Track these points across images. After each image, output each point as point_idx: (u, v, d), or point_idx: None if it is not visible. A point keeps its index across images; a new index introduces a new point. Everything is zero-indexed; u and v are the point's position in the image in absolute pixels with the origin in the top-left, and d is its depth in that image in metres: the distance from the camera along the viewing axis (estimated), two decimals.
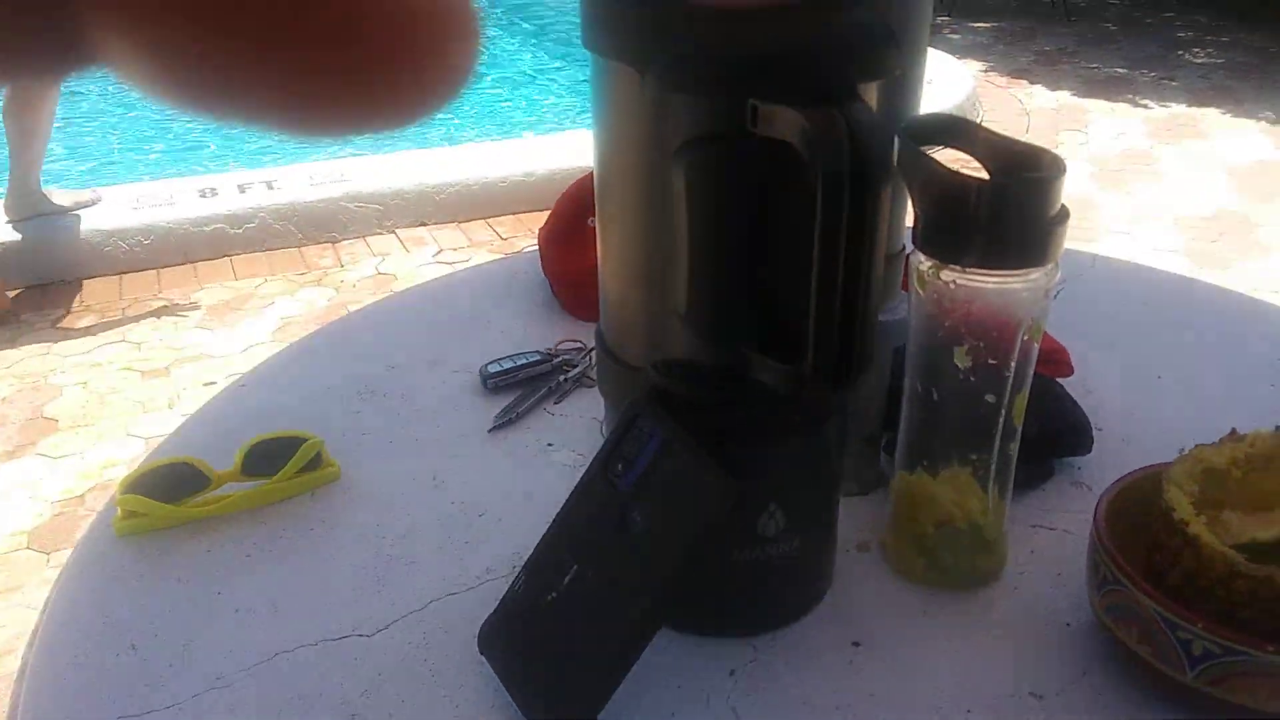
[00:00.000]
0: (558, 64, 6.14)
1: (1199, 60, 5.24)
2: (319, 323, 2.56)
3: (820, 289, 0.42)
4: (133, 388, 2.27)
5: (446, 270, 2.91)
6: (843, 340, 0.43)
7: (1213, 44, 5.61)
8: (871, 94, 0.47)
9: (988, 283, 0.49)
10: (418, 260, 2.98)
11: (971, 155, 0.53)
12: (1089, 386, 0.74)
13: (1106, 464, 0.66)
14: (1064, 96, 4.54)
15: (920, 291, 0.52)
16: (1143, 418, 0.74)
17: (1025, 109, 4.37)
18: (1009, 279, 0.49)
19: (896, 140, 0.50)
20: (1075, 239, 2.23)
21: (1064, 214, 0.50)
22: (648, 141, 0.46)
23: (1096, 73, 4.95)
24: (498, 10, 8.27)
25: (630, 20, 0.44)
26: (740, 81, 0.43)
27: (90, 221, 2.91)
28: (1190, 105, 4.37)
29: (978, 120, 4.15)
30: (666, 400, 0.48)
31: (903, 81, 0.57)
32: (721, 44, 0.43)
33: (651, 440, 0.47)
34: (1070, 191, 1.93)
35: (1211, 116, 4.21)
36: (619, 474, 0.48)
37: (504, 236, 3.16)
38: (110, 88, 5.13)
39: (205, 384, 2.28)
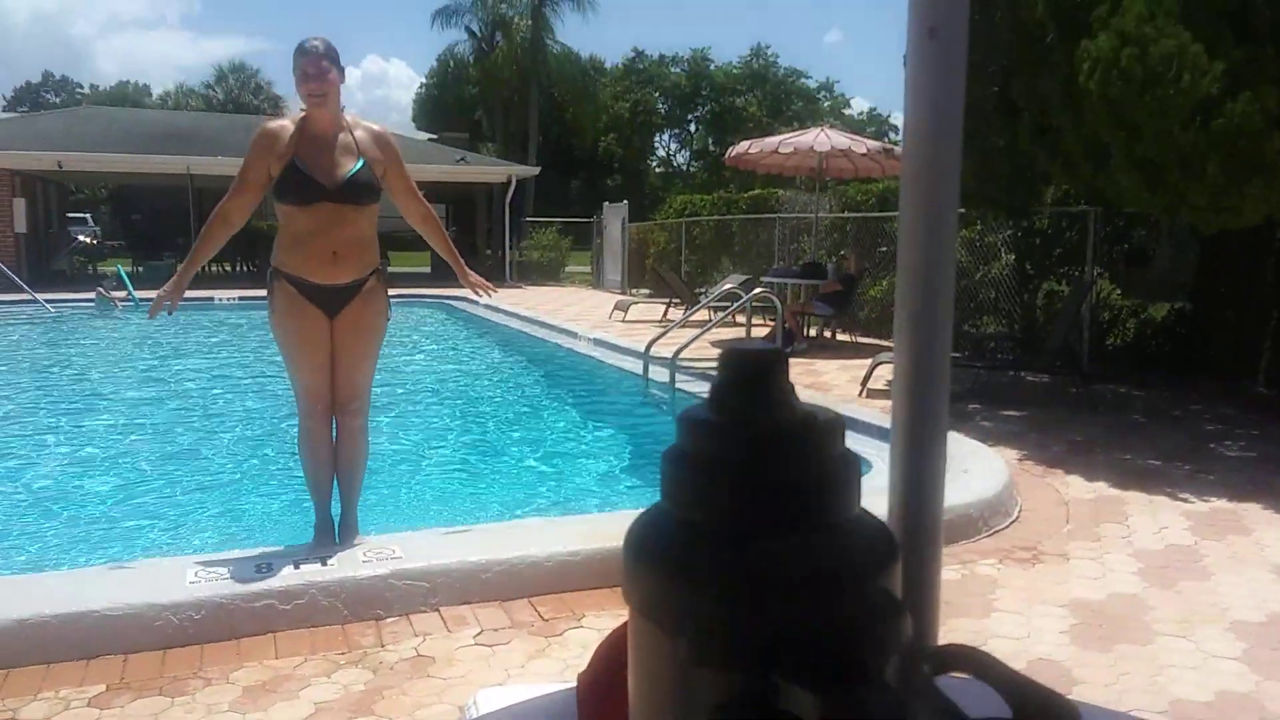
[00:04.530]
0: (603, 440, 6.47)
1: (1232, 454, 5.36)
2: (352, 711, 2.52)
3: None
4: None
5: (486, 653, 2.89)
6: None
7: (1243, 437, 5.77)
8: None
9: None
10: (458, 642, 2.97)
11: (988, 684, 0.56)
12: None
13: None
14: (1101, 487, 4.62)
15: None
16: None
17: (1063, 499, 4.45)
18: None
19: (914, 676, 0.54)
20: (1130, 641, 2.19)
21: None
22: (677, 699, 0.50)
23: (1131, 464, 5.07)
24: (542, 385, 8.89)
25: (663, 589, 0.50)
26: (762, 660, 0.47)
27: (143, 595, 2.99)
28: (1230, 500, 4.41)
29: (1017, 507, 4.22)
30: None
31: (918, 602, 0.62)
32: (748, 621, 0.48)
33: None
34: (1120, 589, 2.00)
35: (1253, 512, 4.23)
36: None
37: (545, 618, 3.16)
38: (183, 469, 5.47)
39: None
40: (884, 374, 7.37)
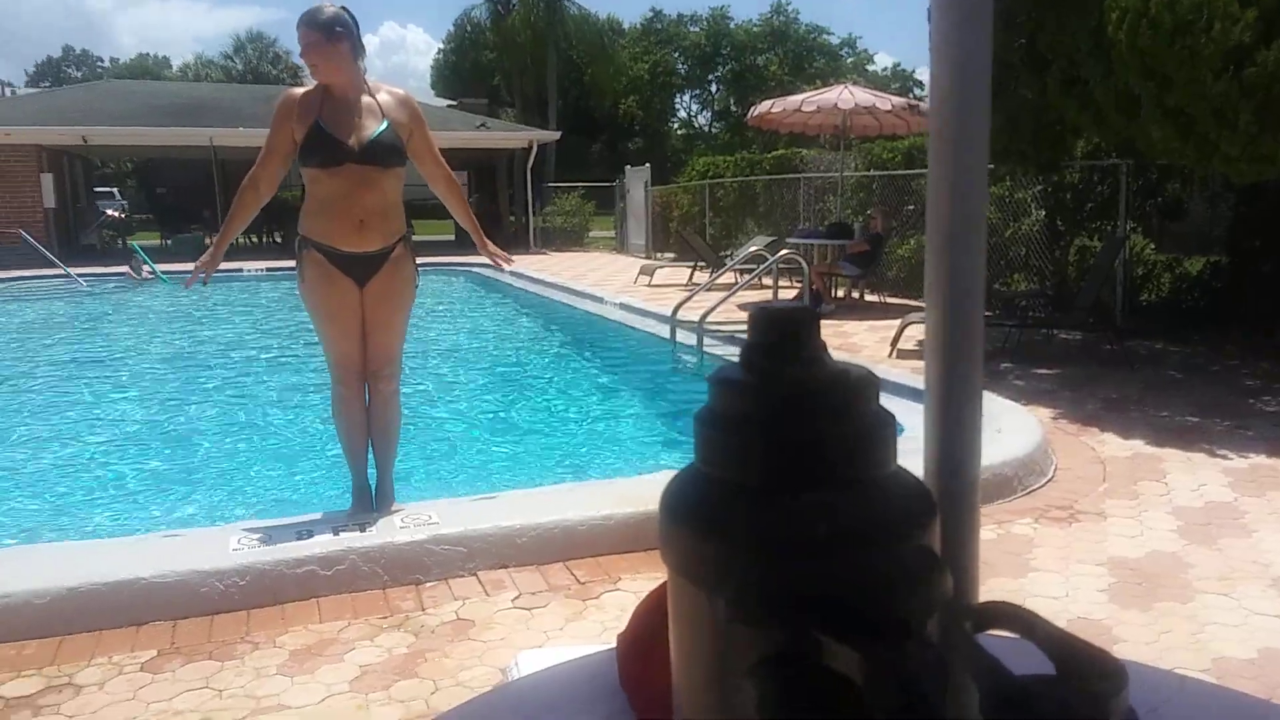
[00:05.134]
0: (631, 404, 6.49)
1: (1271, 409, 5.29)
2: (396, 673, 2.57)
3: None
4: None
5: (524, 616, 2.92)
6: None
7: None
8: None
9: None
10: (496, 605, 3.01)
11: (1031, 641, 0.56)
12: None
13: None
14: (1138, 445, 4.58)
15: None
16: None
17: (1099, 457, 4.41)
18: None
19: (955, 633, 0.53)
20: (1170, 599, 2.19)
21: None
22: (719, 657, 0.50)
23: (1168, 421, 5.01)
24: (570, 350, 8.90)
25: (700, 548, 0.50)
26: (803, 616, 0.47)
27: (189, 562, 3.05)
28: (1269, 456, 4.36)
29: (1052, 466, 4.19)
30: None
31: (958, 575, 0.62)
32: (788, 578, 0.48)
33: None
34: (1160, 547, 2.00)
35: None
36: None
37: (581, 581, 3.19)
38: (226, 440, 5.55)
39: None
40: (914, 334, 7.32)
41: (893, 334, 7.14)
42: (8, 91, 33.68)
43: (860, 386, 0.54)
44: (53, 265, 14.54)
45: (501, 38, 38.33)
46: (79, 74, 58.80)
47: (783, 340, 0.54)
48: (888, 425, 0.53)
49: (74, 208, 21.53)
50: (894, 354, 6.86)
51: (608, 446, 5.37)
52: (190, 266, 3.53)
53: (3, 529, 4.00)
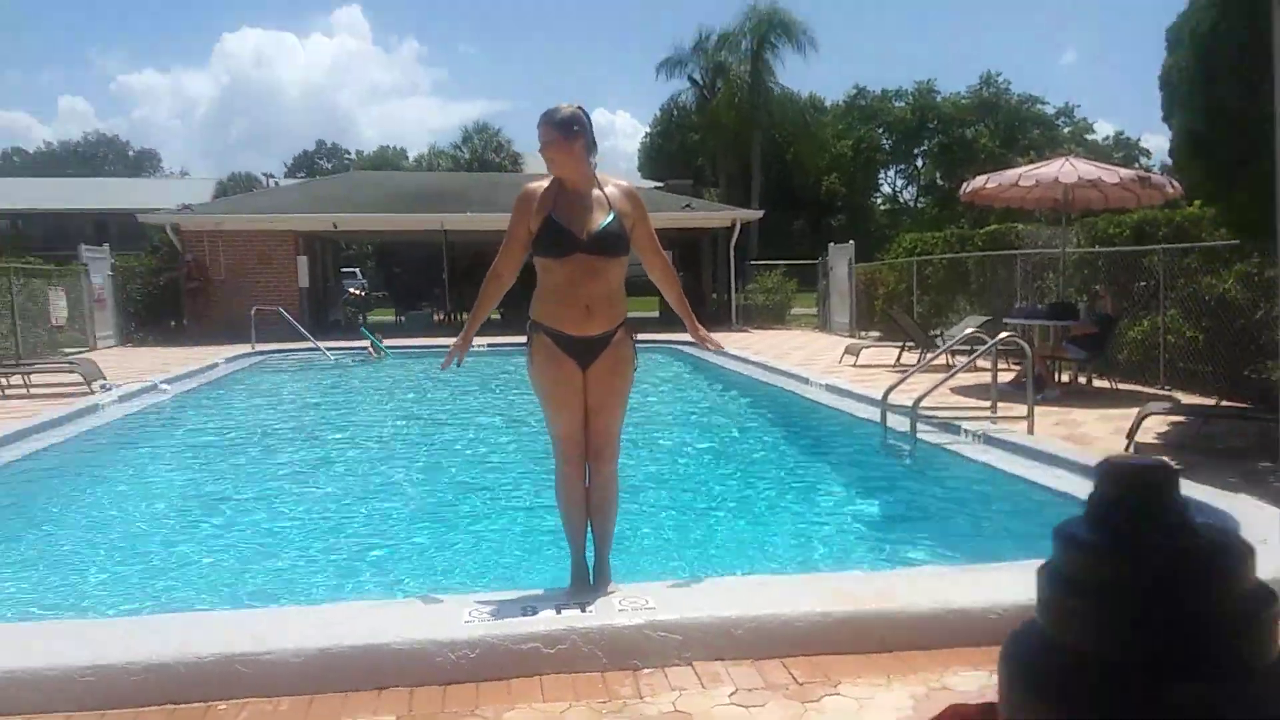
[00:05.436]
0: (841, 492, 6.32)
1: None
2: None
3: None
4: None
5: (742, 714, 2.88)
6: None
7: None
8: None
9: None
10: (713, 700, 2.99)
11: None
12: None
13: None
14: None
15: None
16: None
17: None
18: None
19: None
20: None
21: None
22: None
23: None
24: (774, 432, 8.79)
25: None
26: None
27: (427, 631, 3.24)
28: None
29: None
30: None
31: None
32: None
33: None
34: None
35: None
36: None
37: (799, 681, 3.11)
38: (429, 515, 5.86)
39: None
40: (1153, 426, 6.76)
41: (1129, 425, 6.61)
42: (270, 183, 38.10)
43: (1238, 557, 0.49)
44: (304, 339, 16.12)
45: (706, 120, 39.56)
46: (329, 165, 65.74)
47: (1140, 501, 0.50)
48: (1271, 603, 0.48)
49: (324, 286, 23.88)
50: (1130, 447, 6.34)
51: (815, 536, 5.25)
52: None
53: (261, 589, 4.41)
